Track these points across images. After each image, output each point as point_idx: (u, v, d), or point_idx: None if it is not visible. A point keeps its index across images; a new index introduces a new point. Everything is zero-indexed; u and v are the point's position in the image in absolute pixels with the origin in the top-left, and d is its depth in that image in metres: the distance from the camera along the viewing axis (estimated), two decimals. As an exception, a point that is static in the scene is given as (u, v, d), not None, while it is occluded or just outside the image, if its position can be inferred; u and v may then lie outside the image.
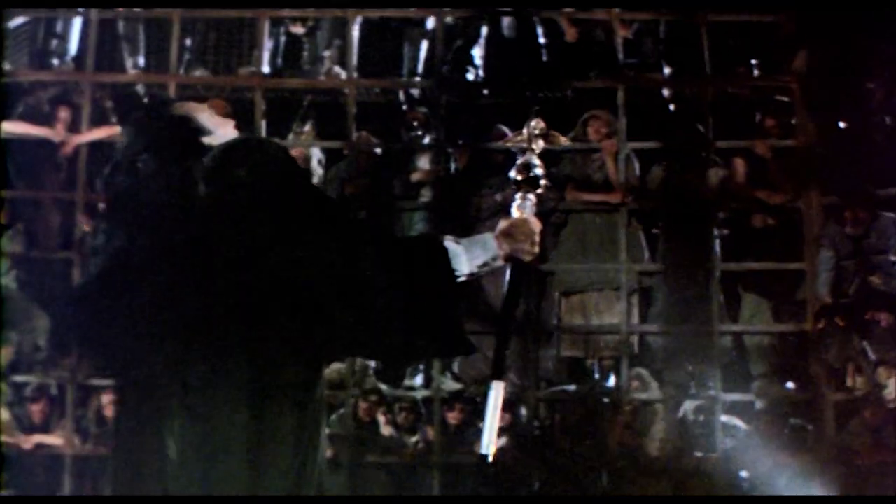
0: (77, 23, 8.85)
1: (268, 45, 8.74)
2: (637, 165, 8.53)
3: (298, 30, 9.10)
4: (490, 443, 3.05)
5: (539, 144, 3.19)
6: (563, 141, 3.32)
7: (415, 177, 8.68)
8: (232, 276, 2.74)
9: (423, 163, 8.76)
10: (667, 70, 8.85)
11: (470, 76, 8.94)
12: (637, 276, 8.48)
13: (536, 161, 3.16)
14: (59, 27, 8.97)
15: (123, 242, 2.84)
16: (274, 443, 2.74)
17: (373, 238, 2.89)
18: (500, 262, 2.99)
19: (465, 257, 2.91)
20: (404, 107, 9.14)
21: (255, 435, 2.72)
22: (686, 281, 8.42)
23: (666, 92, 8.93)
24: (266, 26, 8.58)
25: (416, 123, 8.75)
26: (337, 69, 8.98)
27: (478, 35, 8.99)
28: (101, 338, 2.91)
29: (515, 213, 3.08)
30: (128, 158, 2.91)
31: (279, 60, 9.05)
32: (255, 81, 8.60)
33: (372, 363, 8.16)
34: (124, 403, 2.97)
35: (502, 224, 3.02)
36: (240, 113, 8.05)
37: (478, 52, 8.98)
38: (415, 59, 9.16)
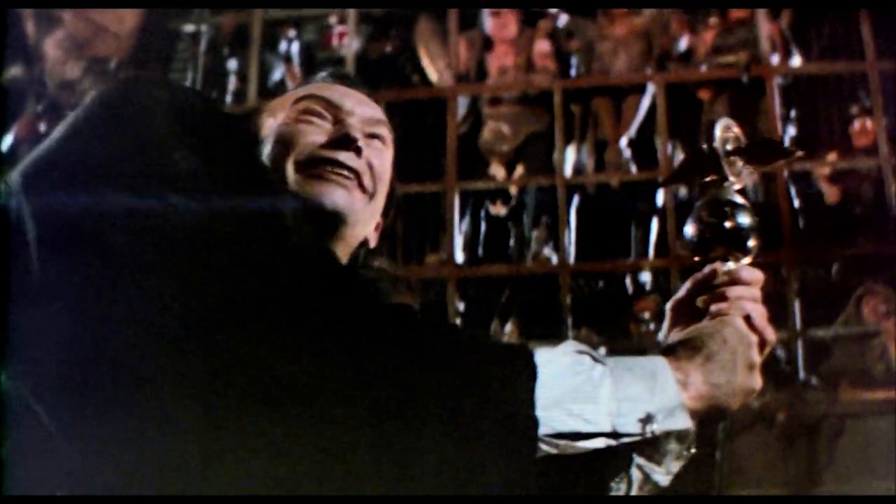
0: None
1: (461, 227, 8.07)
2: (929, 351, 7.36)
3: (500, 210, 8.25)
4: None
5: (739, 169, 1.60)
6: (796, 154, 1.78)
7: (648, 381, 7.56)
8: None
9: (659, 363, 7.67)
10: (959, 230, 7.78)
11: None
12: (940, 495, 7.15)
13: (736, 197, 1.59)
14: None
15: None
16: None
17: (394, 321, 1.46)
18: (683, 422, 1.39)
19: (609, 389, 1.37)
20: (632, 296, 8.15)
21: None
22: None
23: (959, 257, 7.78)
24: (456, 204, 7.95)
25: (647, 316, 7.79)
26: (547, 252, 8.11)
27: (715, 203, 8.00)
28: None
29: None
30: None
31: (478, 247, 8.23)
32: (447, 271, 7.88)
33: None
34: None
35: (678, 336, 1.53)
36: (428, 309, 7.51)
37: (718, 224, 7.95)
38: (644, 237, 8.22)
